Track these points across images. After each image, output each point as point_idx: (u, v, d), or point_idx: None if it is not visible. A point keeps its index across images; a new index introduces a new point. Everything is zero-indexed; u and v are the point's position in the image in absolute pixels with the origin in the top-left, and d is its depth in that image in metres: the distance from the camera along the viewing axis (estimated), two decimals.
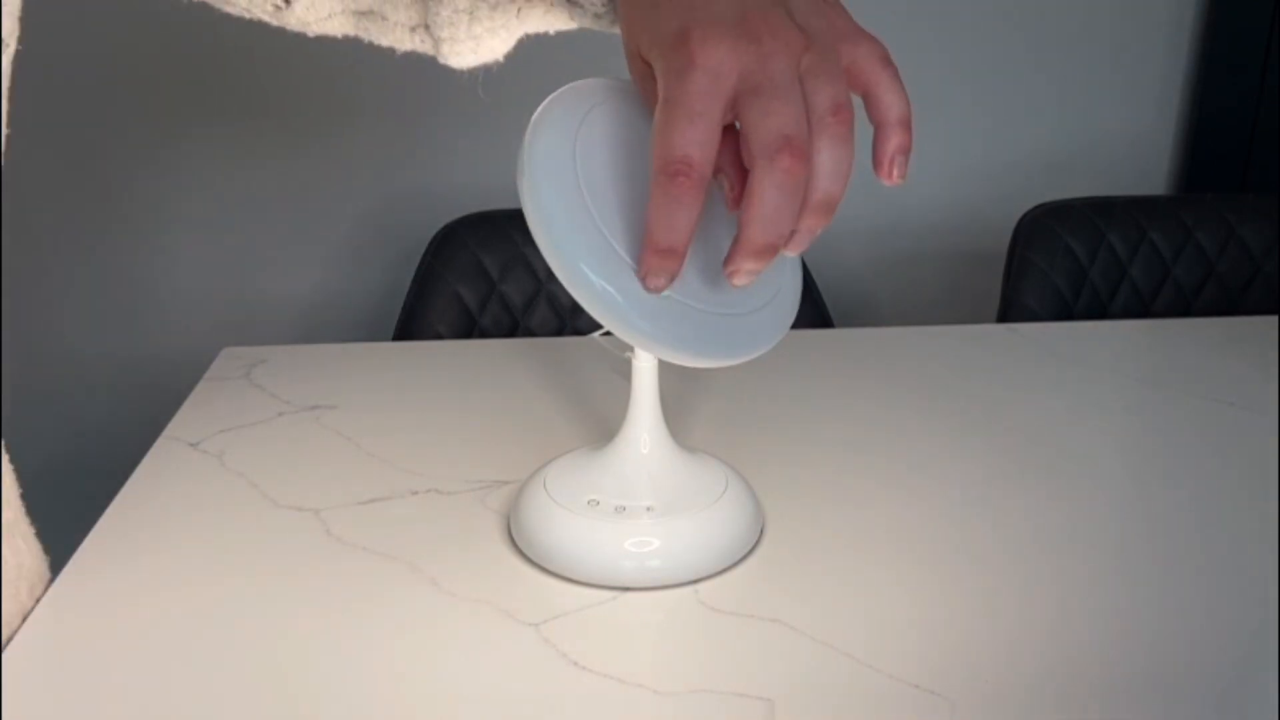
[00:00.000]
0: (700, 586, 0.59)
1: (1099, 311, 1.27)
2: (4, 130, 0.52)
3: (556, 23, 0.54)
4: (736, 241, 0.41)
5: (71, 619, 0.57)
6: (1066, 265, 1.26)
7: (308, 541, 0.64)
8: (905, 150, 0.44)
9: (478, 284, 1.24)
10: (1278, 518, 0.66)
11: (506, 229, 1.25)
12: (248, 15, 0.57)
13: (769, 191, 0.39)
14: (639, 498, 0.60)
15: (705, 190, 0.40)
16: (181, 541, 0.64)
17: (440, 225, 1.26)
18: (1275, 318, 1.01)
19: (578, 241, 0.43)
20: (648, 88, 0.43)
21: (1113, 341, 0.99)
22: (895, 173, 0.44)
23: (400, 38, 0.57)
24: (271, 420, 0.80)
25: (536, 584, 0.59)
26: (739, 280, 0.42)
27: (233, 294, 1.55)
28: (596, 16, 0.50)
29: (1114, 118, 1.59)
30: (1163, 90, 1.59)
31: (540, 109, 0.47)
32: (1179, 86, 1.59)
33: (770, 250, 0.41)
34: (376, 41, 0.58)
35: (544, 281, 1.25)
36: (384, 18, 0.56)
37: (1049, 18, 1.53)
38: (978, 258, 1.61)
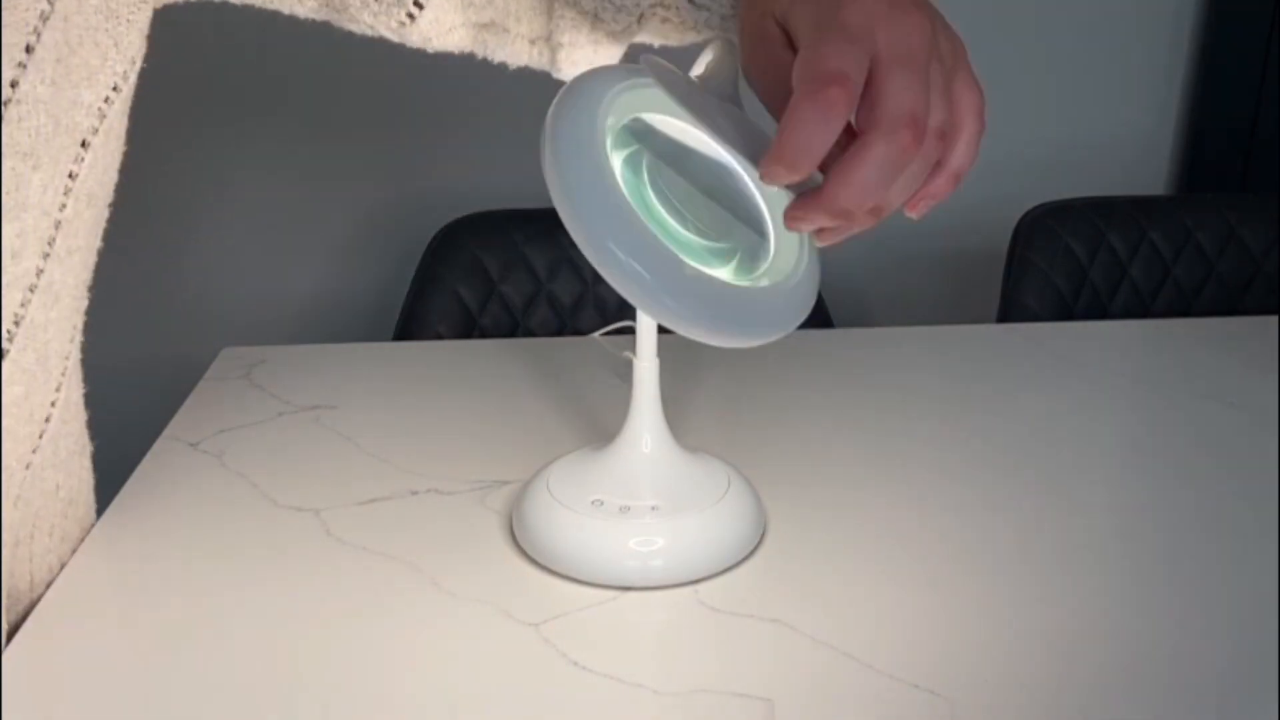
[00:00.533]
0: (700, 586, 0.59)
1: (1099, 311, 1.27)
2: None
3: (671, 33, 0.54)
4: (820, 193, 0.39)
5: (72, 619, 0.57)
6: (1066, 265, 1.26)
7: (308, 541, 0.64)
8: (939, 198, 0.44)
9: (478, 284, 1.24)
10: (1278, 518, 0.66)
11: (506, 229, 1.25)
12: (370, 33, 0.57)
13: (877, 159, 0.38)
14: (643, 498, 0.60)
15: (851, 109, 0.38)
16: (181, 541, 0.64)
17: (440, 225, 1.26)
18: (1275, 318, 1.01)
19: (605, 219, 0.43)
20: (768, 51, 0.42)
21: (1113, 341, 0.99)
22: (920, 209, 0.44)
23: (519, 50, 0.57)
24: (271, 420, 0.80)
25: (537, 584, 0.59)
26: (801, 226, 0.41)
27: (233, 294, 1.55)
28: (722, 19, 0.49)
29: (1114, 118, 1.59)
30: (1163, 90, 1.59)
31: (565, 87, 0.47)
32: (1179, 86, 1.59)
33: (844, 216, 0.40)
34: (492, 57, 0.58)
35: (544, 281, 1.25)
36: (505, 30, 0.56)
37: (1049, 18, 1.53)
38: (978, 258, 1.61)
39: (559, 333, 1.26)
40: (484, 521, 0.66)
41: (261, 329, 1.56)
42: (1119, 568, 0.62)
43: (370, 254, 1.55)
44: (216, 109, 1.44)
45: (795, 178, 0.39)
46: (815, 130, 0.37)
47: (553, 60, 0.56)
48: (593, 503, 0.60)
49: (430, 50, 0.58)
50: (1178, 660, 0.53)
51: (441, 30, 0.56)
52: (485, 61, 0.58)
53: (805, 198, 0.40)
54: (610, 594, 0.58)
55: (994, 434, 0.78)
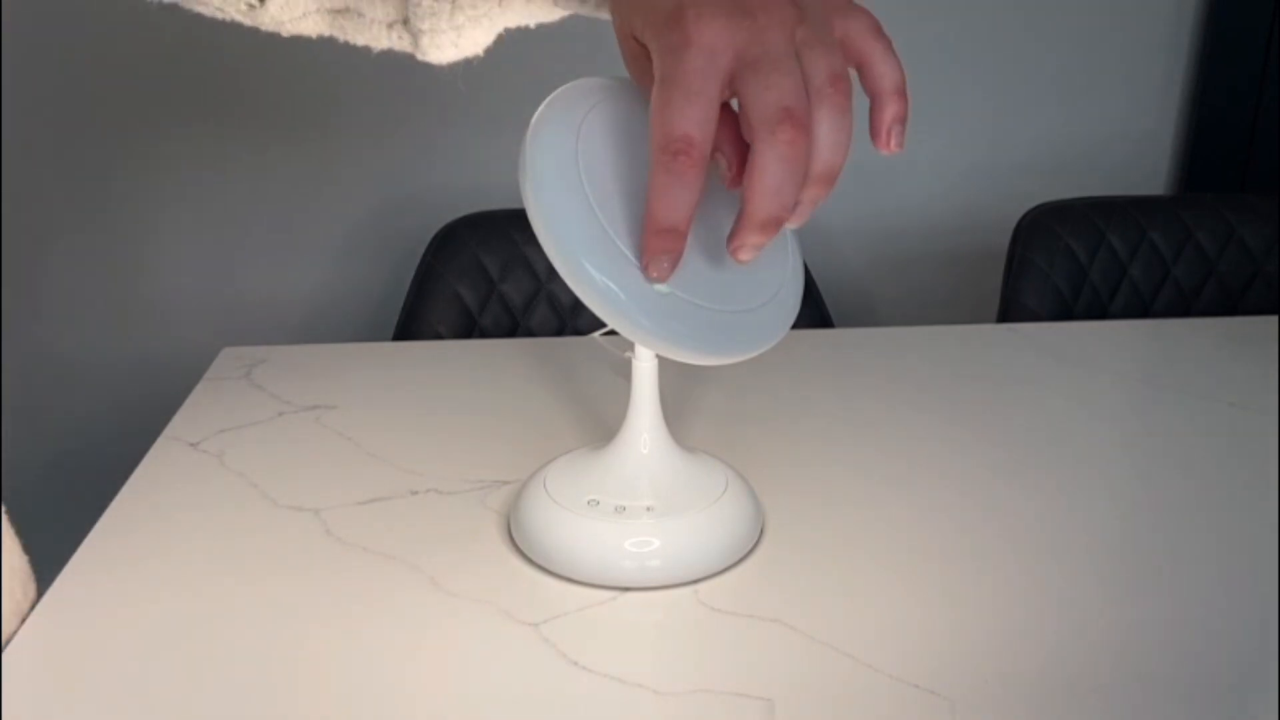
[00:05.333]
0: (700, 586, 0.59)
1: (1099, 311, 1.27)
2: None
3: (539, 12, 0.54)
4: (741, 216, 0.41)
5: (71, 619, 0.57)
6: (1066, 265, 1.26)
7: (308, 541, 0.64)
8: (902, 119, 0.44)
9: (478, 284, 1.24)
10: (1278, 518, 0.66)
11: (506, 229, 1.25)
12: (220, 15, 0.56)
13: (771, 164, 0.39)
14: (639, 498, 0.60)
15: (706, 169, 0.40)
16: (181, 541, 0.64)
17: (440, 225, 1.26)
18: (1275, 318, 1.01)
19: (580, 238, 0.43)
20: (640, 68, 0.43)
21: (1113, 341, 0.99)
22: (893, 142, 0.44)
23: (377, 35, 0.56)
24: (271, 420, 0.80)
25: (536, 584, 0.59)
26: (744, 255, 0.42)
27: (233, 294, 1.55)
28: (582, 1, 0.50)
29: (1114, 118, 1.59)
30: (1163, 90, 1.59)
31: (542, 107, 0.47)
32: (1179, 86, 1.59)
33: (775, 224, 0.41)
34: (353, 41, 0.57)
35: (544, 281, 1.25)
36: (360, 14, 0.55)
37: (1049, 17, 1.53)
38: (978, 258, 1.61)
39: (559, 333, 1.26)
40: (484, 521, 0.66)
41: (261, 329, 1.56)
42: (1119, 567, 0.62)
43: (370, 254, 1.55)
44: (218, 110, 1.44)
45: (677, 248, 0.42)
46: (676, 198, 0.40)
47: (415, 44, 0.55)
48: (588, 503, 0.60)
49: (285, 35, 0.57)
50: (1178, 660, 0.53)
51: (294, 15, 0.55)
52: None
53: (735, 229, 0.42)
54: (610, 594, 0.58)
55: (993, 434, 0.78)
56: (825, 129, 0.40)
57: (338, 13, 0.56)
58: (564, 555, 0.59)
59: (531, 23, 0.55)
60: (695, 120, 0.39)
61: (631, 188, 0.45)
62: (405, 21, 0.54)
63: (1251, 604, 0.58)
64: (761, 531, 0.64)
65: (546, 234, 0.44)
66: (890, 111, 0.44)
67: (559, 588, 0.59)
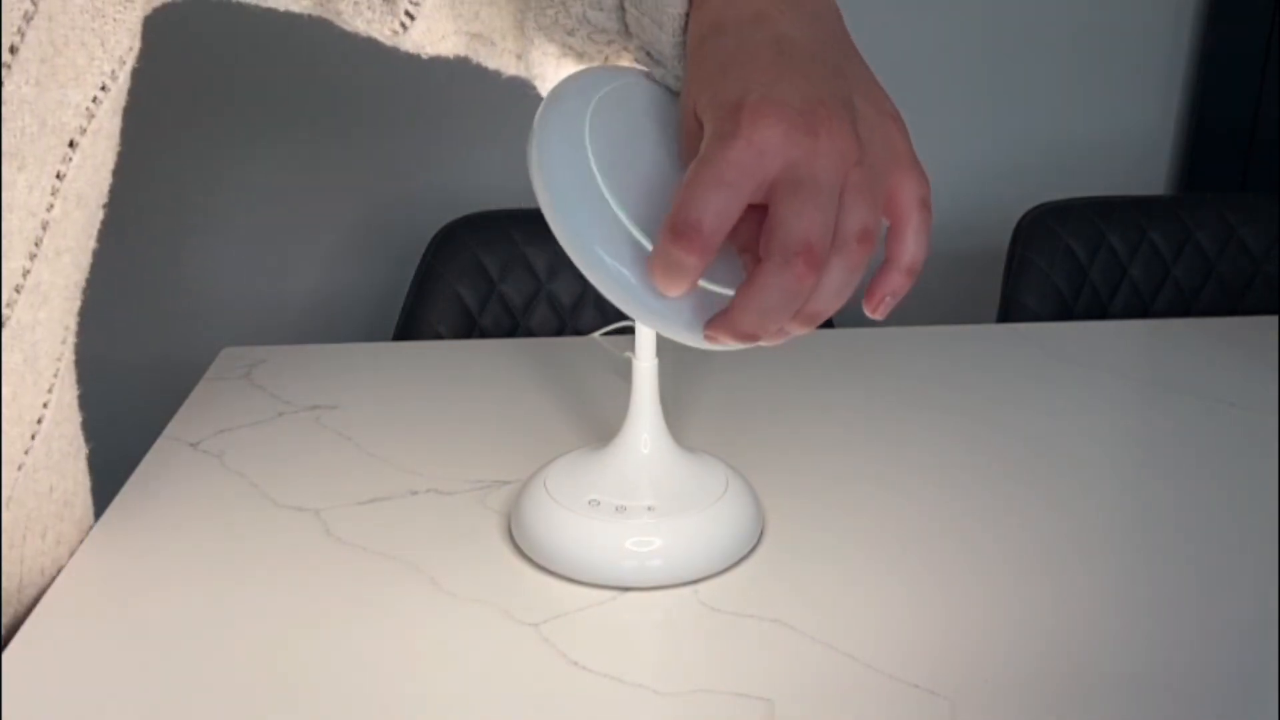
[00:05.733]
0: (700, 586, 0.59)
1: (1099, 311, 1.27)
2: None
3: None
4: (725, 315, 0.41)
5: (71, 619, 0.57)
6: (1066, 265, 1.26)
7: (308, 541, 0.64)
8: (899, 295, 0.44)
9: (478, 284, 1.24)
10: (1278, 518, 0.66)
11: (506, 229, 1.25)
12: (364, 34, 0.58)
13: (772, 289, 0.39)
14: (640, 498, 0.60)
15: (708, 258, 0.39)
16: (181, 541, 0.64)
17: (440, 225, 1.26)
18: (1275, 318, 1.01)
19: (590, 223, 0.43)
20: (692, 145, 0.42)
21: (1113, 341, 0.99)
22: (880, 311, 0.44)
23: (507, 63, 0.58)
24: (271, 420, 0.80)
25: (536, 584, 0.59)
26: (710, 345, 0.43)
27: (233, 294, 1.55)
28: (676, 78, 0.50)
29: (1114, 118, 1.59)
30: (1163, 90, 1.59)
31: (551, 91, 0.46)
32: (1179, 86, 1.59)
33: (752, 339, 0.41)
34: (485, 64, 0.59)
35: (544, 281, 1.25)
36: (493, 43, 0.57)
37: (1049, 17, 1.53)
38: (978, 258, 1.61)
39: (559, 333, 1.26)
40: (484, 521, 0.66)
41: (261, 329, 1.56)
42: (1119, 567, 0.62)
43: (370, 254, 1.55)
44: (217, 109, 1.44)
45: (675, 291, 0.41)
46: (671, 277, 0.40)
47: (532, 80, 0.57)
48: (589, 502, 0.60)
49: (425, 56, 0.59)
50: (1178, 660, 0.53)
51: (434, 39, 0.57)
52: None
53: (716, 318, 0.42)
54: (610, 594, 0.58)
55: (993, 434, 0.78)
56: (833, 278, 0.40)
57: (474, 36, 0.57)
58: (565, 555, 0.59)
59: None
60: (713, 209, 0.38)
61: (644, 169, 0.45)
62: (526, 56, 0.56)
63: (1251, 604, 0.58)
64: (761, 531, 0.64)
65: (555, 217, 0.44)
66: (892, 285, 0.44)
67: (559, 588, 0.59)
